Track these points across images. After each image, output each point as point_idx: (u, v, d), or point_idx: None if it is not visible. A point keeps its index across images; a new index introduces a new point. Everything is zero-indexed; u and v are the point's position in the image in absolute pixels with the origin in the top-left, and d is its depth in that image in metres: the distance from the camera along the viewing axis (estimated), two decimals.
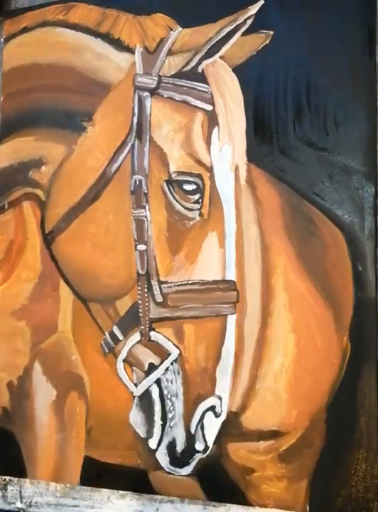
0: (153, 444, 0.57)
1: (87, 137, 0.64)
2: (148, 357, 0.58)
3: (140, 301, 0.59)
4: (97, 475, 0.54)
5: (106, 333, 0.61)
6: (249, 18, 0.58)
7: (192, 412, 0.56)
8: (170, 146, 0.60)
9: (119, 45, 0.64)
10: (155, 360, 0.58)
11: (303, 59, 0.56)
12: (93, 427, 0.61)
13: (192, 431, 0.56)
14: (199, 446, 0.56)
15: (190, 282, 0.57)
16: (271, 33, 0.57)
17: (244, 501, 0.54)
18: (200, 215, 0.58)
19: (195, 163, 0.58)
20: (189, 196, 0.58)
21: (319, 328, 0.52)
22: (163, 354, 0.57)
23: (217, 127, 0.58)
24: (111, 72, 0.64)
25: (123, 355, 0.60)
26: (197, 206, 0.58)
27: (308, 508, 0.52)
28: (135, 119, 0.61)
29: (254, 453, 0.54)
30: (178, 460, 0.56)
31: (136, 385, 0.59)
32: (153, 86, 0.61)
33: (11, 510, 0.63)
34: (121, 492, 0.58)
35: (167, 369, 0.57)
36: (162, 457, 0.57)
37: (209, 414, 0.56)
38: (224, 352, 0.56)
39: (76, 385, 0.62)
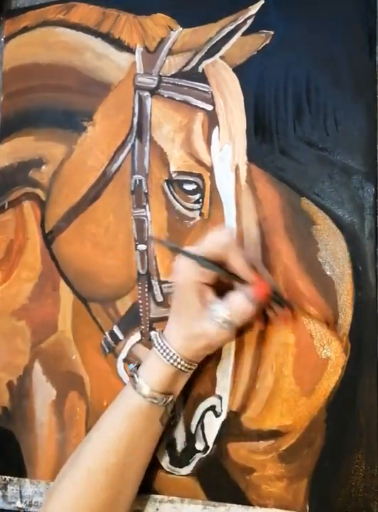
0: None
1: (87, 137, 0.64)
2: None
3: (140, 301, 0.59)
4: None
5: (107, 333, 0.61)
6: (249, 18, 0.58)
7: (193, 411, 0.56)
8: (170, 145, 0.60)
9: (119, 44, 0.64)
10: None
11: (303, 59, 0.56)
12: None
13: (193, 430, 0.56)
14: (199, 445, 0.56)
15: None
16: (271, 33, 0.57)
17: (244, 501, 0.54)
18: (201, 214, 0.58)
19: (196, 163, 0.58)
20: (189, 196, 0.58)
21: (319, 328, 0.52)
22: None
23: (217, 127, 0.58)
24: (112, 72, 0.64)
25: (123, 354, 0.60)
26: (198, 206, 0.58)
27: (307, 508, 0.52)
28: (135, 119, 0.61)
29: (254, 453, 0.54)
30: (178, 460, 0.56)
31: None
32: (154, 86, 0.61)
33: (11, 509, 0.63)
34: None
35: None
36: (162, 457, 0.57)
37: (210, 413, 0.56)
38: (224, 352, 0.56)
39: (76, 384, 0.62)
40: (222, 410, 0.55)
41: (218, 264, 0.50)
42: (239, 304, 0.49)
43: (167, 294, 0.58)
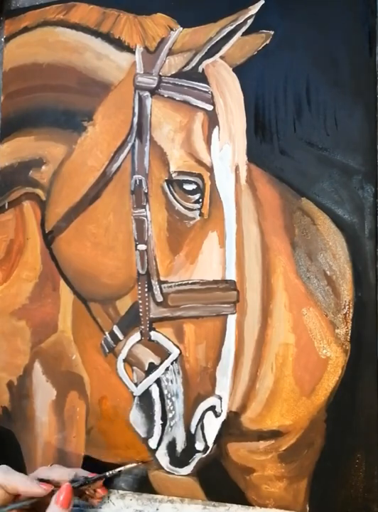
0: (153, 443, 0.57)
1: (88, 137, 0.64)
2: (148, 357, 0.58)
3: (140, 301, 0.59)
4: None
5: (107, 333, 0.61)
6: (249, 18, 0.58)
7: (192, 411, 0.56)
8: (170, 145, 0.60)
9: (119, 44, 0.64)
10: (156, 360, 0.58)
11: (303, 59, 0.56)
12: (93, 427, 0.61)
13: (192, 430, 0.56)
14: (199, 445, 0.56)
15: (190, 282, 0.57)
16: (272, 32, 0.57)
17: (244, 501, 0.54)
18: (201, 215, 0.58)
19: (196, 163, 0.58)
20: (189, 196, 0.58)
21: (319, 328, 0.52)
22: (163, 354, 0.58)
23: (217, 127, 0.58)
24: (112, 72, 0.64)
25: (123, 354, 0.60)
26: (198, 206, 0.58)
27: (307, 508, 0.52)
28: (135, 119, 0.61)
29: (254, 453, 0.54)
30: (178, 460, 0.56)
31: (136, 384, 0.59)
32: (154, 86, 0.61)
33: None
34: (120, 492, 0.58)
35: (167, 369, 0.57)
36: (162, 457, 0.57)
37: (210, 413, 0.56)
38: (224, 352, 0.56)
39: (76, 384, 0.62)
40: (221, 410, 0.55)
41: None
42: None
43: (167, 293, 0.58)
